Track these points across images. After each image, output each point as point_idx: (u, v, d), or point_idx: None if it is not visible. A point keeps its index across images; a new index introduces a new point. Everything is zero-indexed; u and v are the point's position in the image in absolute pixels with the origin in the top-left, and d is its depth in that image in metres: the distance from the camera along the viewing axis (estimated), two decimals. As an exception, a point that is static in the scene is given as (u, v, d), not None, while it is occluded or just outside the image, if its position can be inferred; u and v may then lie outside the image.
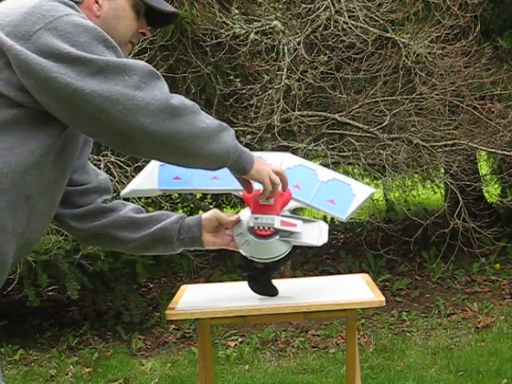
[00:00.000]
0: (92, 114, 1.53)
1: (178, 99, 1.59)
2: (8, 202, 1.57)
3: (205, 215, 1.99)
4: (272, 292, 2.03)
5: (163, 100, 1.55)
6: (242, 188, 1.91)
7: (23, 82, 1.54)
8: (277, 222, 1.90)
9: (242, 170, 1.76)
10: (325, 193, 2.01)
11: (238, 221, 1.95)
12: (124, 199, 2.08)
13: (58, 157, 1.65)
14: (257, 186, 1.88)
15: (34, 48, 1.52)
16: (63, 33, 1.53)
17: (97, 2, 1.72)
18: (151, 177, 2.01)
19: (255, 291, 2.03)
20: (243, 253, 1.96)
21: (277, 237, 1.90)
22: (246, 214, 1.95)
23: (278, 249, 1.93)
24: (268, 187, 1.81)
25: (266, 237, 1.90)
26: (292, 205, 1.99)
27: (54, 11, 1.56)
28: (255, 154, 1.97)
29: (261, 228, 1.90)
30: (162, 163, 2.02)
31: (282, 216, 1.93)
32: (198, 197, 6.38)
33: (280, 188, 1.84)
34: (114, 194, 2.07)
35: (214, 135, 1.64)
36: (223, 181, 1.99)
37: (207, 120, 1.64)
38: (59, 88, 1.52)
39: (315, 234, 1.96)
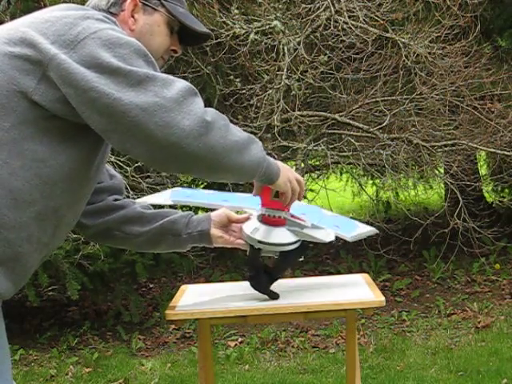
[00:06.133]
0: (128, 128, 1.53)
1: (212, 114, 1.61)
2: (36, 213, 1.58)
3: (214, 212, 2.04)
4: (273, 296, 2.03)
5: (199, 115, 1.56)
6: (251, 206, 2.00)
7: (63, 91, 1.55)
8: (286, 214, 1.96)
9: (269, 181, 1.79)
10: (330, 221, 2.13)
11: (248, 218, 2.00)
12: None
13: (88, 172, 1.67)
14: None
15: (78, 57, 1.54)
16: (106, 43, 1.55)
17: (133, 16, 1.75)
18: (164, 194, 2.11)
19: (257, 290, 2.03)
20: (251, 242, 1.97)
21: (286, 227, 1.95)
22: (255, 215, 2.00)
23: (287, 236, 1.96)
24: (288, 196, 1.86)
25: (276, 225, 1.95)
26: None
27: (98, 23, 1.59)
28: None
29: (271, 216, 1.94)
30: (174, 189, 2.16)
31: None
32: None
33: (297, 195, 1.88)
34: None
35: (244, 148, 1.66)
36: (233, 203, 2.11)
37: (238, 133, 1.66)
38: (98, 98, 1.52)
39: (323, 233, 2.02)
